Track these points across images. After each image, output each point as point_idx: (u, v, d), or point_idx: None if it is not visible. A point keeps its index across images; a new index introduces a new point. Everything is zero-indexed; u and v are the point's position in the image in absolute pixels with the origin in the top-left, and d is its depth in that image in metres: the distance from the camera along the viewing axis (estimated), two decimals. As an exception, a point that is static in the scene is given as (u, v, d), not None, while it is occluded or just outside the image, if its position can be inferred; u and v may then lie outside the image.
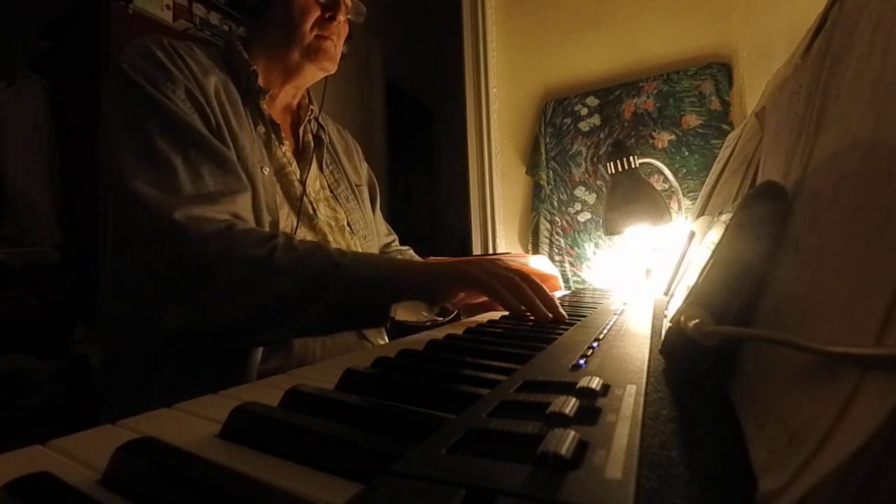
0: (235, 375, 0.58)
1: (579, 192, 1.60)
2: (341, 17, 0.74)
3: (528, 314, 0.55)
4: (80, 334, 1.32)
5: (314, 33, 0.72)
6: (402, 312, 0.90)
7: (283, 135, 0.75)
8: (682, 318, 0.24)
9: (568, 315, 0.54)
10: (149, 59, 0.62)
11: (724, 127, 1.36)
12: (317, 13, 0.72)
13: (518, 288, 0.55)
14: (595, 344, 0.35)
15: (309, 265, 0.54)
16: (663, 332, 0.32)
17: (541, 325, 0.52)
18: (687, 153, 1.42)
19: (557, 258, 1.62)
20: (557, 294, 1.19)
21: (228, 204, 0.58)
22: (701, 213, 0.76)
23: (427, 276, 0.57)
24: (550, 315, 0.54)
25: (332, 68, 0.77)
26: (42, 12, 1.54)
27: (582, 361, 0.29)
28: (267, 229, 0.64)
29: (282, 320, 0.54)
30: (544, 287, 0.57)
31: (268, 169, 0.69)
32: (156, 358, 0.60)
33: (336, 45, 0.76)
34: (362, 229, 0.85)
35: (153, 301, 0.57)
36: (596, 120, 1.58)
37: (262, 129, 0.71)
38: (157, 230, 0.54)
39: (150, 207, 0.54)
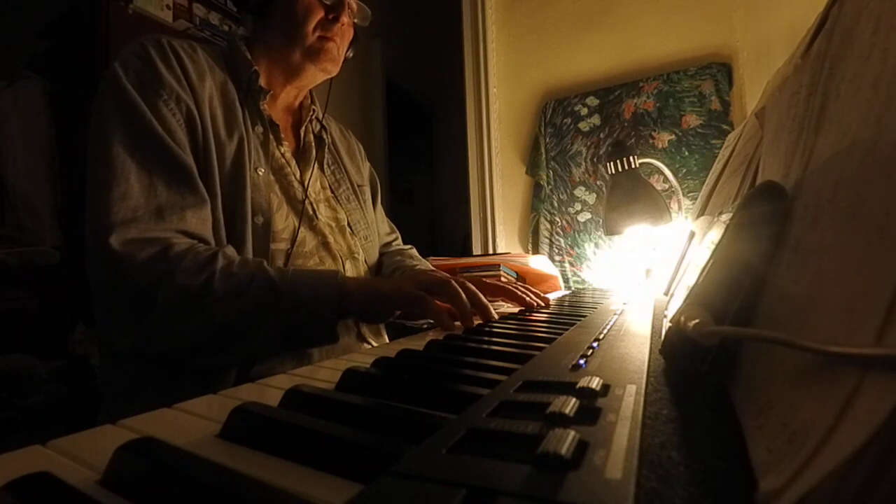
0: (225, 379, 0.58)
1: (579, 192, 1.60)
2: (345, 20, 0.74)
3: (458, 325, 0.56)
4: (80, 334, 1.33)
5: (317, 34, 0.72)
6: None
7: (283, 135, 0.75)
8: (682, 318, 0.24)
9: (568, 315, 0.54)
10: (143, 59, 0.62)
11: (724, 127, 1.37)
12: (320, 14, 0.72)
13: (451, 292, 0.57)
14: (595, 344, 0.35)
15: (248, 293, 0.54)
16: (663, 332, 0.32)
17: (541, 326, 0.52)
18: (687, 153, 1.42)
19: (557, 258, 1.62)
20: (557, 294, 1.19)
21: (176, 221, 0.57)
22: (701, 213, 0.76)
23: (366, 296, 0.58)
24: (479, 321, 0.56)
25: (333, 70, 0.77)
26: (42, 12, 1.54)
27: (582, 361, 0.29)
28: (245, 229, 0.64)
29: (227, 346, 0.55)
30: (478, 293, 0.59)
31: (262, 170, 0.68)
32: (150, 359, 0.60)
33: (339, 47, 0.75)
34: (363, 230, 0.85)
35: (104, 321, 0.57)
36: (596, 120, 1.58)
37: (259, 129, 0.71)
38: (95, 254, 0.54)
39: (91, 227, 0.54)
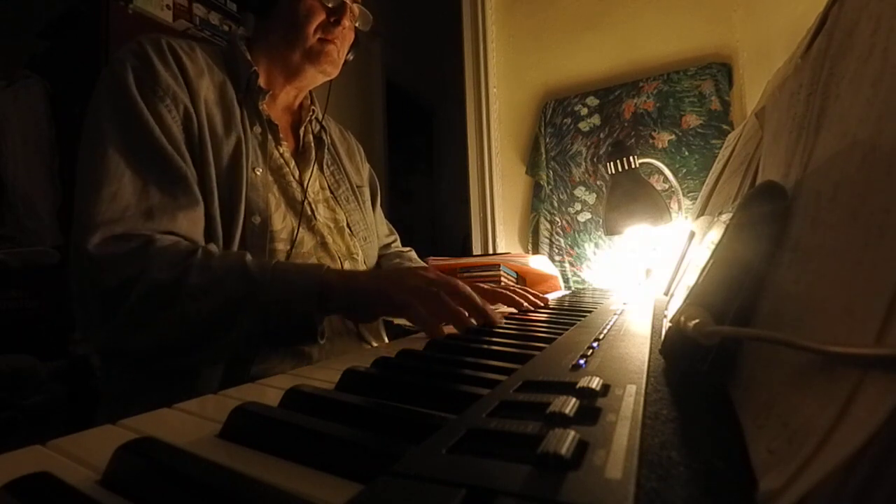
0: (225, 379, 0.58)
1: (579, 192, 1.60)
2: (346, 23, 0.74)
3: (446, 332, 0.49)
4: (80, 334, 1.32)
5: (317, 36, 0.72)
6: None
7: (282, 135, 0.75)
8: (682, 318, 0.24)
9: (568, 315, 0.54)
10: (141, 57, 0.61)
11: (724, 127, 1.37)
12: (321, 17, 0.72)
13: (440, 303, 0.50)
14: (595, 344, 0.35)
15: (223, 287, 0.51)
16: (663, 332, 0.32)
17: (541, 326, 0.52)
18: (687, 153, 1.42)
19: (557, 258, 1.62)
20: (557, 294, 1.19)
21: (166, 222, 0.56)
22: (701, 213, 0.76)
23: (350, 292, 0.53)
24: (476, 324, 0.51)
25: (333, 72, 0.77)
26: (42, 12, 1.54)
27: (582, 361, 0.29)
28: (243, 229, 0.63)
29: (203, 343, 0.52)
30: (474, 296, 0.53)
31: (260, 170, 0.68)
32: (129, 359, 0.60)
33: (339, 49, 0.76)
34: (362, 231, 0.85)
35: (79, 320, 0.56)
36: (596, 120, 1.58)
37: (258, 129, 0.71)
38: (76, 258, 0.53)
39: (76, 228, 0.53)
